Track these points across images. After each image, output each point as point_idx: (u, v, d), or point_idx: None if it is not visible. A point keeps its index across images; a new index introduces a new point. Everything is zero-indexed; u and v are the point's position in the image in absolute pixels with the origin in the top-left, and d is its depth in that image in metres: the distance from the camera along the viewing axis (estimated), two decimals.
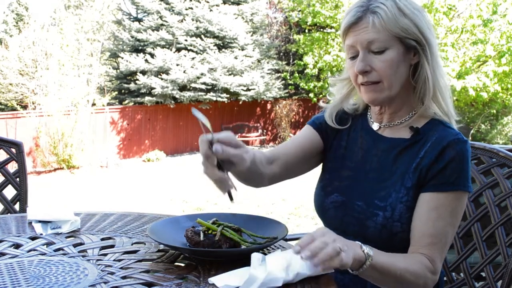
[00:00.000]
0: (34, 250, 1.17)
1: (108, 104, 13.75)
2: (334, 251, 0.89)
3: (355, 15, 1.14)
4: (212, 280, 0.94)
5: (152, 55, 14.03)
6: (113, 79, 15.92)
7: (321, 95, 14.06)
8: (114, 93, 14.69)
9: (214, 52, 14.33)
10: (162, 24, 14.41)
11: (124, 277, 0.99)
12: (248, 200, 7.13)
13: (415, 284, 1.07)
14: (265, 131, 16.50)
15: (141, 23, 14.84)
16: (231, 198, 1.06)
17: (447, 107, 1.19)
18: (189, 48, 14.30)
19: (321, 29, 14.19)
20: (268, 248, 1.14)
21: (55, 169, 11.47)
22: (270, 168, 1.26)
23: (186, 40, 14.24)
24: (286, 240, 1.26)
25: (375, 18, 1.12)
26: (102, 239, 1.25)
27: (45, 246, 1.20)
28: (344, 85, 1.31)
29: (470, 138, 14.05)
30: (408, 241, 1.14)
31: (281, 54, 17.98)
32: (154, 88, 13.69)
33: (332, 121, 1.31)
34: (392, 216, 1.13)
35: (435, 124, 1.19)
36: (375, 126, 1.27)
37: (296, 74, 14.76)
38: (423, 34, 1.14)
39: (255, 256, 0.95)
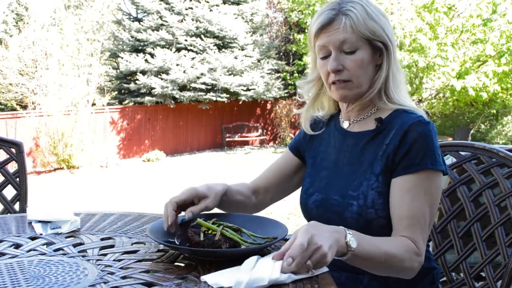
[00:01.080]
0: (34, 250, 1.17)
1: (108, 104, 13.75)
2: (308, 267, 0.92)
3: (328, 17, 1.21)
4: (204, 278, 0.95)
5: (152, 55, 14.03)
6: (113, 79, 15.92)
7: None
8: (114, 93, 14.69)
9: (214, 52, 14.33)
10: (162, 24, 14.41)
11: (124, 277, 0.99)
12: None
13: (401, 267, 1.10)
14: (265, 131, 16.50)
15: (141, 23, 14.84)
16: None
17: (403, 100, 1.27)
18: (189, 48, 14.30)
19: None
20: (268, 248, 1.14)
21: (55, 169, 11.48)
22: (256, 197, 1.45)
23: (186, 40, 14.24)
24: (286, 240, 1.26)
25: (347, 20, 1.19)
26: (102, 239, 1.25)
27: (45, 246, 1.20)
28: (311, 86, 1.39)
29: (470, 138, 14.05)
30: (385, 227, 1.18)
31: (281, 54, 17.98)
32: (154, 88, 13.69)
33: (308, 127, 1.42)
34: (365, 204, 1.18)
35: (398, 112, 1.26)
36: (345, 125, 1.35)
37: (296, 74, 14.75)
38: (388, 36, 1.23)
39: (249, 261, 0.97)
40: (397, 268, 1.10)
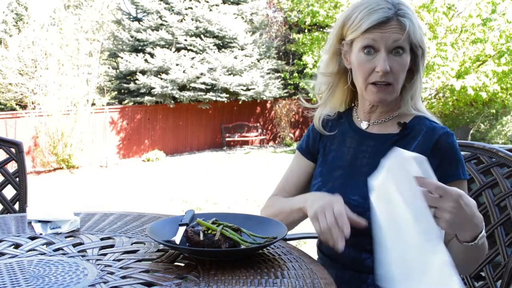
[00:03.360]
0: (34, 250, 1.17)
1: (108, 104, 13.75)
2: None
3: (385, 15, 1.17)
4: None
5: (151, 55, 14.03)
6: (113, 79, 15.92)
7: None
8: (114, 93, 14.69)
9: (214, 52, 14.33)
10: (161, 24, 14.40)
11: (123, 277, 0.99)
12: (248, 200, 7.13)
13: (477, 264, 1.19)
14: (264, 130, 16.50)
15: (140, 23, 14.84)
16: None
17: (422, 107, 1.30)
18: (188, 48, 14.29)
19: (321, 29, 14.19)
20: (268, 248, 1.14)
21: (54, 169, 11.47)
22: None
23: (185, 40, 14.24)
24: (286, 240, 1.26)
25: (407, 22, 1.18)
26: (102, 239, 1.25)
27: (45, 246, 1.20)
28: (324, 82, 1.36)
29: (469, 138, 14.05)
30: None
31: (281, 53, 17.98)
32: (154, 88, 13.69)
33: (320, 124, 1.39)
34: None
35: (420, 119, 1.26)
36: (363, 125, 1.33)
37: (296, 74, 14.76)
38: (425, 45, 1.25)
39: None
40: (473, 267, 1.17)
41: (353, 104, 1.41)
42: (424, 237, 0.95)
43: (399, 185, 0.97)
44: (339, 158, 1.32)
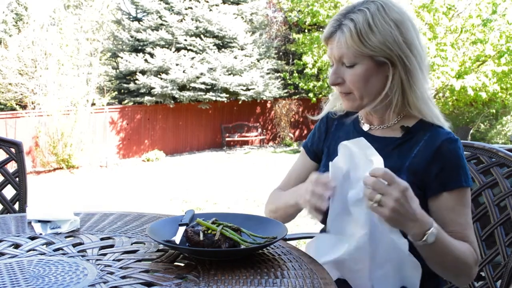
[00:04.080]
0: (34, 250, 1.17)
1: (108, 104, 13.74)
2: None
3: (329, 30, 1.20)
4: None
5: (151, 55, 14.03)
6: (113, 79, 15.91)
7: (320, 95, 14.07)
8: (114, 93, 14.69)
9: (214, 52, 14.33)
10: (161, 24, 14.40)
11: (123, 277, 0.99)
12: (248, 200, 7.13)
13: (464, 271, 1.13)
14: (264, 130, 16.50)
15: (140, 22, 14.84)
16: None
17: (430, 113, 1.23)
18: (188, 48, 14.29)
19: (320, 29, 14.19)
20: (268, 248, 1.14)
21: (54, 169, 11.47)
22: None
23: (185, 40, 14.24)
24: (286, 240, 1.26)
25: (341, 37, 1.17)
26: (102, 239, 1.25)
27: (45, 246, 1.20)
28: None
29: (469, 138, 14.05)
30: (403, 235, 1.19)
31: (281, 53, 17.98)
32: (154, 88, 13.69)
33: (327, 111, 1.42)
34: None
35: (425, 123, 1.24)
36: (365, 127, 1.32)
37: (296, 74, 14.76)
38: (393, 50, 1.16)
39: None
40: (460, 268, 1.13)
41: None
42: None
43: (353, 165, 1.09)
44: None
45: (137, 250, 1.16)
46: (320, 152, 1.42)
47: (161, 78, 13.70)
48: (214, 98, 14.22)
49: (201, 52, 14.35)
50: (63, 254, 1.13)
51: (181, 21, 14.39)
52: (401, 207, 1.00)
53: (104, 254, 1.13)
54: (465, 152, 1.49)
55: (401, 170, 1.19)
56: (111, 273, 1.01)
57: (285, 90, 16.09)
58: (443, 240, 1.08)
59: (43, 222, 1.34)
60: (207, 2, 14.54)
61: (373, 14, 1.15)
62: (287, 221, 1.37)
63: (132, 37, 14.70)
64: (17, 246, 1.20)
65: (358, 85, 1.19)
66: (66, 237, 1.27)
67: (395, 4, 1.20)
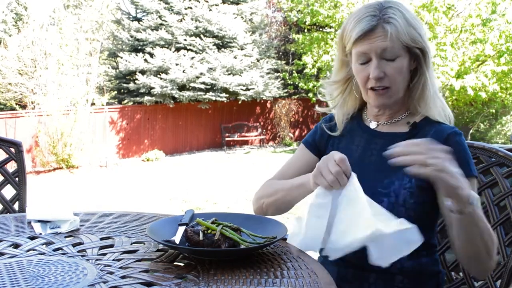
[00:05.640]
0: (33, 249, 1.17)
1: (107, 103, 13.74)
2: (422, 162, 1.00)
3: (370, 24, 1.20)
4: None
5: (151, 55, 14.02)
6: (112, 78, 15.91)
7: (320, 95, 14.07)
8: (113, 93, 14.69)
9: (214, 52, 14.32)
10: (161, 24, 14.40)
11: (123, 277, 0.99)
12: (248, 200, 7.13)
13: (489, 254, 1.12)
14: (264, 130, 16.50)
15: (140, 22, 14.83)
16: None
17: (443, 109, 1.28)
18: (188, 47, 14.29)
19: (320, 29, 14.19)
20: (268, 247, 1.14)
21: (54, 169, 11.46)
22: None
23: (185, 40, 14.23)
24: (285, 239, 1.27)
25: (390, 28, 1.18)
26: (101, 239, 1.25)
27: (44, 245, 1.20)
28: (336, 87, 1.38)
29: (469, 137, 14.06)
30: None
31: (280, 53, 17.98)
32: (154, 88, 13.68)
33: (342, 124, 1.40)
34: (396, 201, 1.20)
35: (429, 120, 1.27)
36: (372, 125, 1.34)
37: (295, 74, 14.76)
38: (425, 43, 1.22)
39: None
40: (489, 249, 1.11)
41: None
42: (376, 217, 1.04)
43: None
44: (347, 156, 1.32)
45: (137, 250, 1.16)
46: (323, 148, 1.42)
47: (161, 78, 13.70)
48: (213, 98, 14.22)
49: (200, 52, 14.35)
50: (63, 254, 1.13)
51: (181, 21, 14.39)
52: (450, 165, 1.01)
53: (104, 254, 1.13)
54: None
55: None
56: (111, 273, 1.01)
57: (285, 90, 16.09)
58: (479, 210, 1.09)
59: (43, 222, 1.34)
60: (207, 2, 14.54)
61: (404, 10, 1.21)
62: (280, 209, 1.37)
63: (132, 37, 14.69)
64: (16, 246, 1.20)
65: (399, 78, 1.23)
66: (65, 237, 1.27)
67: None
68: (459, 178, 1.02)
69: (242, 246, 1.08)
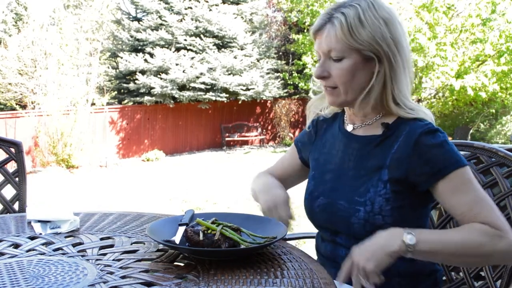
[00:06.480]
0: (33, 249, 1.17)
1: (108, 103, 13.74)
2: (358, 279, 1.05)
3: (319, 23, 1.21)
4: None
5: (151, 55, 14.02)
6: (112, 78, 15.91)
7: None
8: (114, 93, 14.68)
9: (214, 52, 14.32)
10: (161, 24, 14.40)
11: (123, 277, 0.99)
12: (248, 200, 7.13)
13: (481, 252, 1.09)
14: (264, 130, 16.50)
15: (140, 22, 14.83)
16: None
17: (407, 111, 1.22)
18: (188, 47, 14.29)
19: None
20: (268, 247, 1.14)
21: (54, 169, 11.46)
22: None
23: (185, 40, 14.23)
24: (286, 239, 1.27)
25: (331, 29, 1.18)
26: (102, 239, 1.25)
27: (44, 245, 1.20)
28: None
29: (469, 137, 14.07)
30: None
31: (280, 53, 17.98)
32: (154, 88, 13.68)
33: (311, 117, 1.43)
34: (372, 210, 1.18)
35: (403, 119, 1.23)
36: (349, 127, 1.32)
37: (295, 74, 14.76)
38: (381, 46, 1.17)
39: None
40: (477, 253, 1.08)
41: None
42: None
43: None
44: (329, 161, 1.33)
45: (137, 250, 1.16)
46: (306, 154, 1.43)
47: (161, 78, 13.70)
48: (214, 98, 14.22)
49: (201, 52, 14.35)
50: (63, 254, 1.13)
51: (181, 21, 14.39)
52: (364, 258, 1.05)
53: (104, 254, 1.13)
54: (465, 152, 1.49)
55: (383, 167, 1.19)
56: (111, 273, 1.01)
57: (285, 90, 16.09)
58: (431, 236, 1.09)
59: (43, 222, 1.34)
60: (207, 2, 14.54)
61: (364, 9, 1.17)
62: None
63: (132, 37, 14.69)
64: (17, 246, 1.20)
65: (344, 79, 1.19)
66: (65, 237, 1.27)
67: (384, 3, 1.21)
68: (379, 244, 1.06)
69: (242, 246, 1.08)
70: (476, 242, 1.07)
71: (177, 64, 13.85)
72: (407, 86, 1.22)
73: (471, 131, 14.61)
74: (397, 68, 1.19)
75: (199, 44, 14.22)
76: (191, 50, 14.31)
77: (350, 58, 1.18)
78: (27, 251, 1.16)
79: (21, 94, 12.32)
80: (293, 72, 15.31)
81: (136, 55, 14.15)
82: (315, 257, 1.29)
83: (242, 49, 15.00)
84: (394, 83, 1.20)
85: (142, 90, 14.00)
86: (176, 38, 14.17)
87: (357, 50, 1.17)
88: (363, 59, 1.18)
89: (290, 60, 17.66)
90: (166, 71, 13.79)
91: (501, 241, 1.07)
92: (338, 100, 1.24)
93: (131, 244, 1.21)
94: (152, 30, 14.43)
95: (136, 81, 13.99)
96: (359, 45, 1.16)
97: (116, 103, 15.45)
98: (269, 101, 16.43)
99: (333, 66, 1.20)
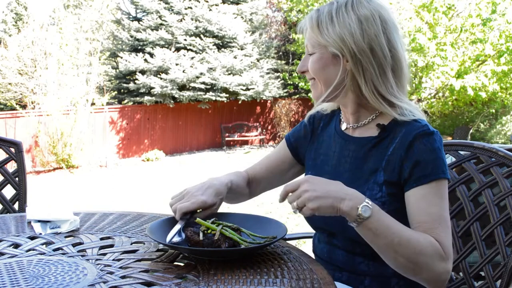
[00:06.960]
0: (33, 249, 1.17)
1: (107, 103, 13.75)
2: (302, 203, 1.04)
3: (304, 21, 1.27)
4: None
5: (151, 55, 14.03)
6: (112, 78, 15.92)
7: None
8: (114, 93, 14.69)
9: (214, 52, 14.33)
10: (161, 24, 14.40)
11: (123, 277, 0.99)
12: (248, 200, 7.13)
13: (416, 260, 1.05)
14: (264, 130, 16.50)
15: (140, 22, 14.84)
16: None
17: (401, 110, 1.19)
18: (188, 47, 14.29)
19: None
20: (268, 247, 1.14)
21: (54, 169, 11.47)
22: (249, 188, 1.47)
23: (185, 40, 14.24)
24: (286, 239, 1.27)
25: (303, 24, 1.26)
26: (101, 239, 1.25)
27: (44, 245, 1.20)
28: None
29: (469, 137, 14.05)
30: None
31: (280, 53, 17.98)
32: (154, 88, 13.69)
33: (313, 113, 1.43)
34: None
35: (399, 120, 1.20)
36: (343, 126, 1.32)
37: (295, 74, 14.76)
38: (347, 44, 1.16)
39: None
40: (413, 258, 1.05)
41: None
42: None
43: None
44: (326, 162, 1.32)
45: (137, 250, 1.16)
46: (303, 151, 1.41)
47: (161, 78, 13.71)
48: (213, 98, 14.22)
49: (200, 52, 14.35)
50: (63, 254, 1.13)
51: (181, 21, 14.39)
52: (313, 193, 1.03)
53: (104, 254, 1.13)
54: (465, 152, 1.49)
55: (379, 169, 1.18)
56: (111, 273, 1.01)
57: (285, 90, 16.09)
58: (384, 219, 1.05)
59: (43, 222, 1.34)
60: (207, 2, 14.54)
61: (338, 7, 1.19)
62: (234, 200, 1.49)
63: (131, 37, 14.70)
64: (16, 246, 1.20)
65: (315, 72, 1.22)
66: (65, 237, 1.27)
67: (373, 2, 1.19)
68: (335, 194, 1.04)
69: (242, 246, 1.08)
70: (420, 247, 1.04)
71: (177, 64, 13.86)
72: (391, 84, 1.19)
73: (471, 131, 14.61)
74: (367, 66, 1.17)
75: (199, 44, 14.22)
76: (191, 50, 14.31)
77: (319, 53, 1.21)
78: (27, 251, 1.16)
79: (21, 94, 12.33)
80: (293, 72, 15.31)
81: (136, 55, 14.16)
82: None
83: (242, 49, 15.01)
84: (368, 81, 1.17)
85: (142, 90, 14.00)
86: (176, 38, 14.17)
87: (324, 46, 1.20)
88: (331, 55, 1.20)
89: (290, 60, 17.67)
90: (166, 71, 13.80)
91: (440, 263, 1.05)
92: (317, 92, 1.26)
93: (131, 244, 1.21)
94: (152, 30, 14.44)
95: (136, 81, 14.00)
96: (325, 42, 1.19)
97: (116, 103, 15.45)
98: (269, 101, 16.44)
99: (308, 61, 1.24)
